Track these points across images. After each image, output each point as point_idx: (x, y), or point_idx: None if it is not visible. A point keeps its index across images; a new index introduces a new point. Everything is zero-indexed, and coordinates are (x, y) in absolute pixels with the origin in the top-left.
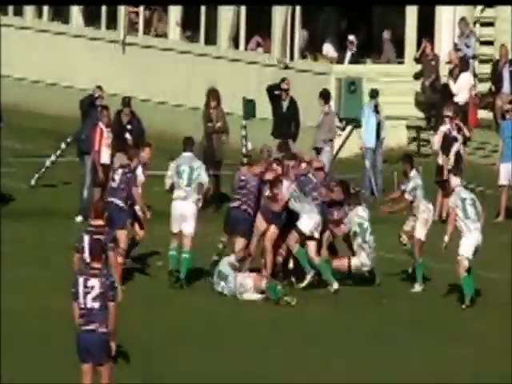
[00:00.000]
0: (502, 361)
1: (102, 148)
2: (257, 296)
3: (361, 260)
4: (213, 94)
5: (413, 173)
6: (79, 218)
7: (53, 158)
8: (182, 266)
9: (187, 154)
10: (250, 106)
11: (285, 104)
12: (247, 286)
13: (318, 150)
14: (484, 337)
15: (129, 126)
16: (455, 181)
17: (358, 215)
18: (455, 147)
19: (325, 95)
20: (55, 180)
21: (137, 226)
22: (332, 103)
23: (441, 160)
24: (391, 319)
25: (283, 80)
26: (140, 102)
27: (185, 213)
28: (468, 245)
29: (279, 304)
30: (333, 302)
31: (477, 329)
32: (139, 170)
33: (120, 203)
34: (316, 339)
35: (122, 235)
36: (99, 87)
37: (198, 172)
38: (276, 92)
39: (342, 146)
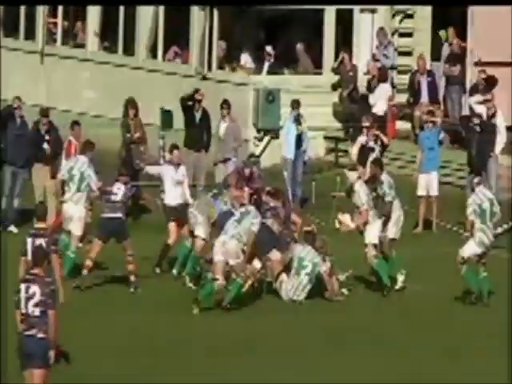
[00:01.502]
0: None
1: None
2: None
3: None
4: (131, 105)
5: (384, 175)
6: None
7: None
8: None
9: (81, 157)
10: (167, 117)
11: (197, 115)
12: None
13: (226, 160)
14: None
15: (47, 137)
16: (353, 176)
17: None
18: (372, 158)
19: (226, 105)
20: None
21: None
22: (232, 113)
23: (359, 171)
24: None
25: (196, 91)
26: (58, 112)
27: (73, 214)
28: (373, 232)
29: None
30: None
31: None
32: (182, 171)
33: (124, 217)
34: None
35: (129, 245)
36: (18, 97)
37: (87, 181)
38: (189, 103)
39: (259, 156)
